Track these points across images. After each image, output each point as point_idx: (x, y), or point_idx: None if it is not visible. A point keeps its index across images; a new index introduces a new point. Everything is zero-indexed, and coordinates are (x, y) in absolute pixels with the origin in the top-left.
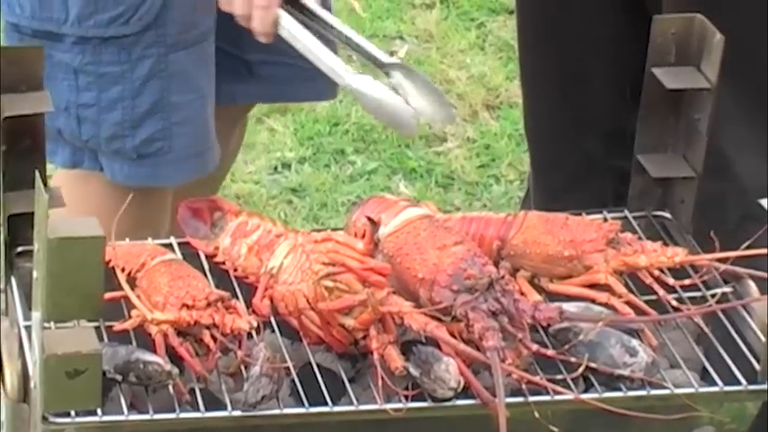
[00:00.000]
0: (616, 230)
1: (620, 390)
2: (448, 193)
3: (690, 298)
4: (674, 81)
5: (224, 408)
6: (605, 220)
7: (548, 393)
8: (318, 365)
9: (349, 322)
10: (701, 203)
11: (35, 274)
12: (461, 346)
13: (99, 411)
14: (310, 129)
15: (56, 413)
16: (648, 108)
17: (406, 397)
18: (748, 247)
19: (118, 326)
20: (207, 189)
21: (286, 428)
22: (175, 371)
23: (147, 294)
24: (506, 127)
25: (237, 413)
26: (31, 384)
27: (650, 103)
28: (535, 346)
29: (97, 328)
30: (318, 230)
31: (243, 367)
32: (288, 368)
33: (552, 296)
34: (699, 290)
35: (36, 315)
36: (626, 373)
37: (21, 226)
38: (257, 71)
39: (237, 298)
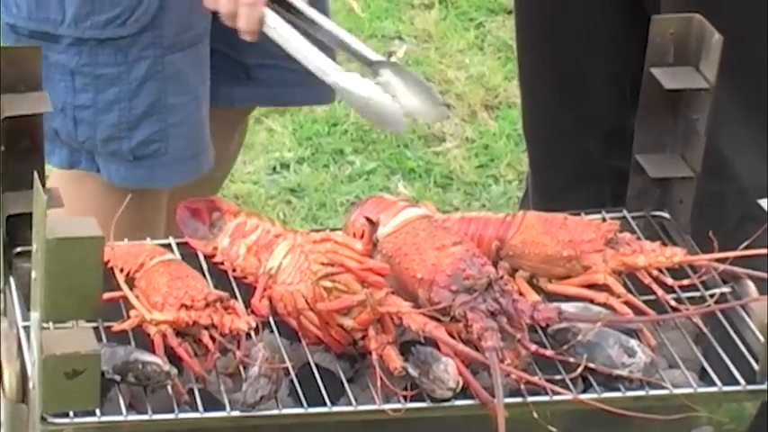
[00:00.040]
0: (615, 230)
1: (618, 390)
2: (447, 193)
3: (688, 298)
4: (672, 81)
5: (223, 408)
6: (604, 220)
7: (546, 394)
8: (317, 366)
9: (348, 322)
10: (699, 203)
11: (34, 274)
12: (460, 346)
13: (98, 412)
14: (309, 129)
15: (54, 413)
16: (647, 108)
17: (405, 397)
18: (747, 248)
19: (116, 326)
20: (206, 191)
21: (285, 429)
22: (174, 371)
23: (146, 295)
24: (505, 127)
25: (236, 413)
26: (30, 385)
27: (649, 103)
28: (534, 347)
29: (96, 328)
30: (317, 231)
31: (242, 367)
32: (286, 368)
33: (551, 296)
34: (697, 290)
35: (35, 315)
36: (624, 373)
37: (19, 226)
38: (255, 74)
39: (236, 298)
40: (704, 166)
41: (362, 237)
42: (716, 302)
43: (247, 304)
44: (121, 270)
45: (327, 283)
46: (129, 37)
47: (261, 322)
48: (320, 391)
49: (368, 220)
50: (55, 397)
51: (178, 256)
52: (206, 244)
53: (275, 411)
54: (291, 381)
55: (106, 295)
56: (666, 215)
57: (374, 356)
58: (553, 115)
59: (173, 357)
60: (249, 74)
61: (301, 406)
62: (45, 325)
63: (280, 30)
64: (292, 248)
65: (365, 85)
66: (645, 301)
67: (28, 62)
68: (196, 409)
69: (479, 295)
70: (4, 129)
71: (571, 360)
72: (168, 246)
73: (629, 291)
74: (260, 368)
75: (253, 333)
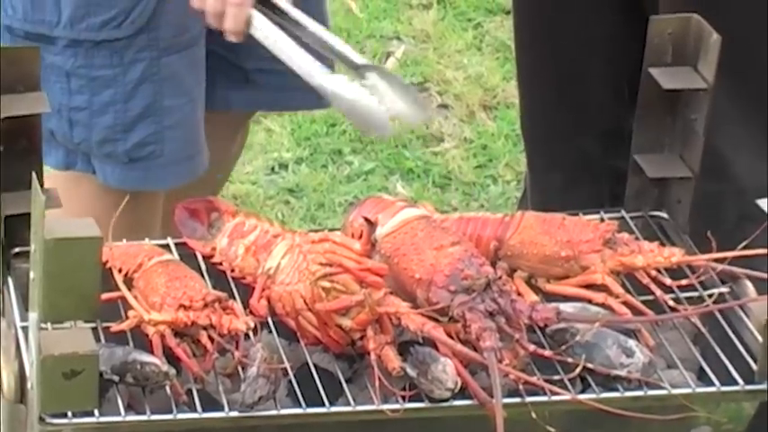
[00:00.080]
0: (613, 231)
1: (617, 390)
2: (445, 193)
3: (687, 298)
4: (670, 81)
5: (221, 408)
6: (602, 220)
7: (545, 394)
8: (315, 366)
9: (346, 323)
10: (697, 204)
11: (32, 274)
12: (458, 346)
13: (96, 412)
14: (307, 129)
15: (53, 414)
16: (645, 108)
17: (404, 397)
18: (745, 248)
19: (115, 326)
20: (207, 193)
21: (283, 429)
22: (172, 371)
23: (144, 295)
24: (503, 127)
25: (234, 414)
26: (28, 385)
27: (647, 103)
28: (532, 347)
29: (94, 328)
30: (315, 231)
31: (240, 368)
32: (285, 369)
33: (549, 296)
34: (696, 290)
35: (33, 316)
36: (623, 373)
37: (17, 227)
38: (253, 78)
39: (234, 298)
40: (702, 166)
41: (361, 237)
42: (714, 302)
43: (246, 304)
44: (120, 270)
45: (326, 284)
46: (124, 39)
47: (259, 322)
48: (319, 391)
49: (366, 220)
50: (53, 397)
51: (176, 256)
52: (204, 244)
53: (274, 412)
54: (290, 381)
55: (104, 296)
56: (665, 215)
57: (372, 357)
58: (551, 115)
59: (171, 358)
60: (247, 77)
61: (300, 406)
62: (43, 325)
63: (266, 32)
64: (291, 249)
65: (351, 88)
66: (643, 302)
67: (26, 62)
68: (194, 410)
69: (478, 295)
70: (2, 129)
71: (569, 360)
72: (166, 246)
73: (628, 291)
74: (258, 368)
75: (251, 333)
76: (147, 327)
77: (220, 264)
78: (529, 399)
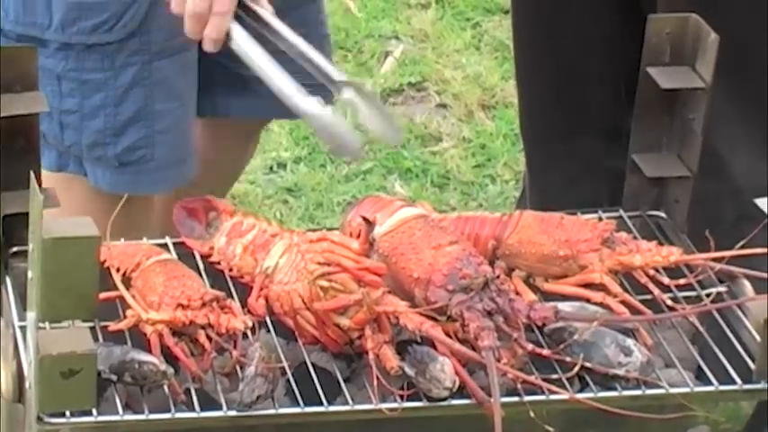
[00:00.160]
0: (611, 230)
1: (615, 389)
2: (443, 192)
3: (685, 297)
4: (668, 81)
5: (219, 408)
6: (600, 219)
7: (543, 393)
8: (314, 365)
9: (344, 322)
10: (696, 203)
11: (30, 274)
12: (457, 345)
13: (94, 411)
14: (306, 128)
15: (51, 413)
16: (643, 108)
17: (402, 397)
18: (743, 247)
19: (113, 326)
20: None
21: (281, 428)
22: (171, 371)
23: (143, 294)
24: (502, 127)
25: (233, 413)
26: (26, 384)
27: (645, 102)
28: (530, 346)
29: (92, 328)
30: (314, 230)
31: (238, 367)
32: (283, 368)
33: (547, 296)
34: (694, 289)
35: (31, 315)
36: (621, 372)
37: (15, 226)
38: (252, 86)
39: (233, 298)
40: (701, 165)
41: (359, 236)
42: (712, 302)
43: (244, 304)
44: (118, 270)
45: (324, 283)
46: (116, 43)
47: (257, 322)
48: (317, 390)
49: (364, 219)
50: (51, 397)
51: (174, 255)
52: (202, 244)
53: (272, 411)
54: (288, 380)
55: (102, 295)
56: (663, 215)
57: (371, 356)
58: (550, 115)
59: (169, 357)
60: (246, 85)
61: (298, 405)
62: (41, 325)
63: (245, 46)
64: (289, 248)
65: (325, 112)
66: (641, 301)
67: (24, 62)
68: (193, 409)
69: (476, 295)
70: (0, 128)
71: (568, 359)
72: (165, 245)
73: (626, 290)
74: (256, 368)
75: (249, 333)
76: (146, 326)
77: (218, 263)
78: (527, 398)
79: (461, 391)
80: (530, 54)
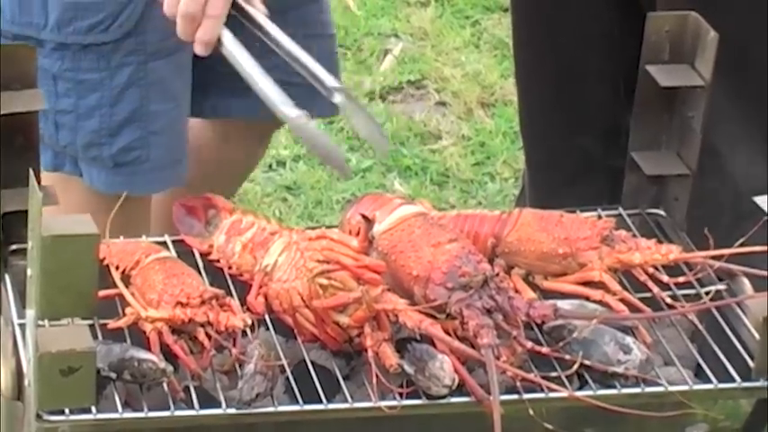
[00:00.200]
0: (610, 228)
1: (614, 387)
2: (443, 190)
3: (684, 295)
4: (668, 78)
5: (218, 405)
6: (599, 217)
7: (542, 391)
8: (313, 363)
9: (343, 320)
10: (695, 201)
11: (29, 271)
12: (456, 343)
13: (93, 409)
14: None
15: (50, 411)
16: (642, 105)
17: (401, 394)
18: (743, 245)
19: (112, 323)
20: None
21: (280, 426)
22: (170, 368)
23: (142, 292)
24: (501, 125)
25: (232, 411)
26: (26, 382)
27: (644, 100)
28: (530, 344)
29: (91, 325)
30: (313, 228)
31: (237, 365)
32: (282, 366)
33: (547, 294)
34: (693, 287)
35: (30, 313)
36: (620, 370)
37: (14, 224)
38: None
39: (232, 296)
40: (700, 163)
41: (358, 234)
42: (711, 300)
43: (243, 302)
44: (117, 267)
45: (323, 281)
46: (111, 43)
47: (256, 320)
48: (316, 388)
49: (364, 217)
50: (50, 394)
51: (174, 253)
52: (202, 241)
53: (271, 409)
54: (287, 378)
55: (102, 293)
56: (662, 212)
57: (370, 354)
58: (549, 113)
59: (168, 355)
60: (247, 85)
61: (297, 403)
62: (40, 322)
63: (235, 54)
64: (288, 246)
65: (310, 127)
66: (640, 299)
67: (23, 60)
68: (192, 407)
69: (475, 292)
70: None
71: (567, 357)
72: (164, 243)
73: (625, 288)
74: (256, 365)
75: (248, 330)
76: (145, 324)
77: (218, 261)
78: (526, 396)
79: (461, 389)
80: (529, 52)
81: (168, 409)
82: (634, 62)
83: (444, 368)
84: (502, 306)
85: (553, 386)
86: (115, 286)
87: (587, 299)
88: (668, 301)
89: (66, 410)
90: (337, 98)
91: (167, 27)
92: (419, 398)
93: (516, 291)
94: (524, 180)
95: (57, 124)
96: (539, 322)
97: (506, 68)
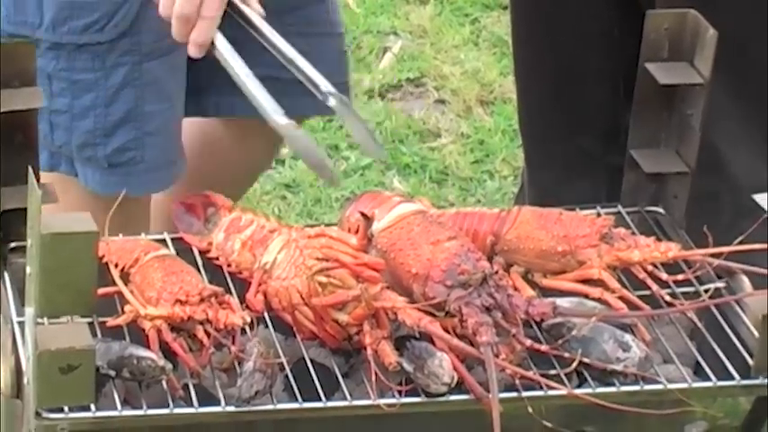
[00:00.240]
0: (609, 226)
1: (613, 385)
2: (442, 188)
3: (683, 293)
4: (667, 76)
5: (217, 403)
6: (599, 215)
7: (541, 388)
8: (312, 361)
9: (343, 318)
10: (694, 199)
11: (28, 269)
12: (455, 341)
13: (92, 407)
14: (304, 124)
15: (49, 409)
16: (641, 103)
17: (400, 392)
18: (742, 243)
19: (111, 321)
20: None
21: (279, 424)
22: (169, 366)
23: (141, 290)
24: (500, 123)
25: (231, 408)
26: (25, 380)
27: (643, 98)
28: (529, 342)
29: (90, 323)
30: (312, 226)
31: (236, 363)
32: (281, 363)
33: (546, 291)
34: (692, 285)
35: (29, 311)
36: (619, 368)
37: (14, 221)
38: None
39: (231, 293)
40: (699, 161)
41: (357, 232)
42: (710, 297)
43: (242, 299)
44: (116, 265)
45: (322, 278)
46: (106, 43)
47: (256, 317)
48: (315, 386)
49: (363, 215)
50: (49, 392)
51: (173, 251)
52: (201, 239)
53: (270, 406)
54: (286, 376)
55: (101, 290)
56: (661, 210)
57: (369, 351)
58: (548, 111)
59: (167, 352)
60: None
61: (296, 401)
62: (40, 320)
63: (228, 58)
64: (287, 244)
65: (300, 136)
66: (639, 296)
67: (22, 58)
68: (191, 404)
69: (474, 290)
70: None
71: (566, 355)
72: (163, 241)
73: (624, 286)
74: (255, 363)
75: (247, 328)
76: (144, 321)
77: (217, 259)
78: (525, 393)
79: (460, 387)
80: (528, 50)
81: (167, 406)
82: (633, 61)
83: (443, 366)
84: (501, 304)
85: (552, 384)
86: (114, 284)
87: (586, 297)
88: (667, 298)
89: (66, 408)
90: (332, 102)
91: (162, 28)
92: (418, 396)
93: (515, 288)
94: (523, 178)
95: (52, 124)
96: (538, 320)
97: (505, 66)
